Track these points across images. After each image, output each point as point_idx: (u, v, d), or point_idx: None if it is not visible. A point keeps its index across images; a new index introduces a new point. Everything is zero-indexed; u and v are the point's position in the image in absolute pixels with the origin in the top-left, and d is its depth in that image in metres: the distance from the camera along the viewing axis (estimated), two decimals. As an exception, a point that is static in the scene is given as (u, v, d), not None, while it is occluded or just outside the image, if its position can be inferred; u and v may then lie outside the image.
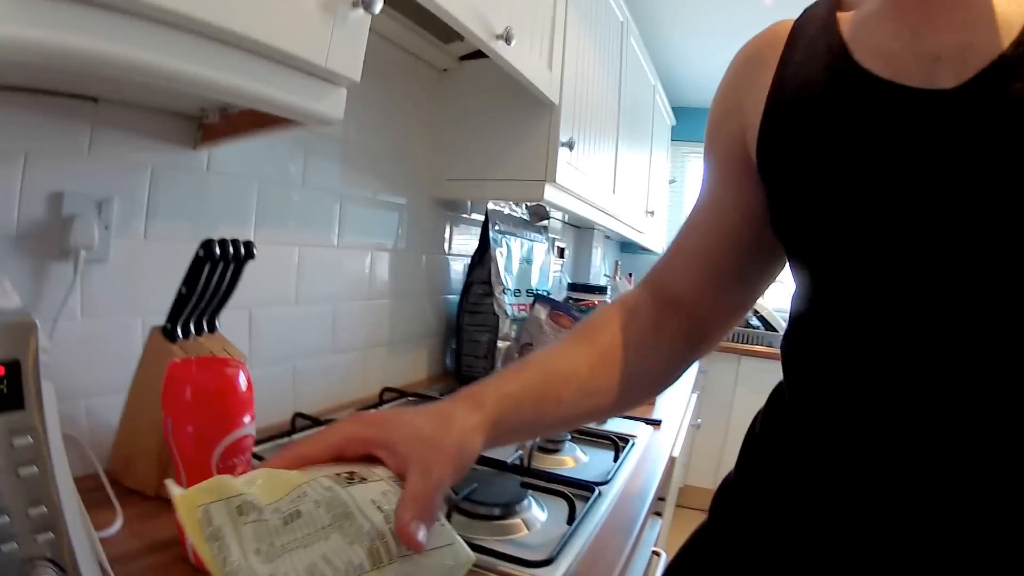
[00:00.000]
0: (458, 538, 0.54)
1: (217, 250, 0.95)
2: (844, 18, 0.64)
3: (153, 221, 1.13)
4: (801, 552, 0.64)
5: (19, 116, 0.91)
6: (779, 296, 3.74)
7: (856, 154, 0.57)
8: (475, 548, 0.91)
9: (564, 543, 0.96)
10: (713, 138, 0.79)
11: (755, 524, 0.71)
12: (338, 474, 0.50)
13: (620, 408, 0.79)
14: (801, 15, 0.70)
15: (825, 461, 0.63)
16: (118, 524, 0.85)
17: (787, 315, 0.72)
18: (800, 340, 0.69)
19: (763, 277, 0.82)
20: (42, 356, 0.55)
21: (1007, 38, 0.51)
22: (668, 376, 0.83)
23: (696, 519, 0.84)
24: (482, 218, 2.18)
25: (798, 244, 0.67)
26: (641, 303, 0.81)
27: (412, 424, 0.54)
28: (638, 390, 0.79)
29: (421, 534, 0.47)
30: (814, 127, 0.61)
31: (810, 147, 0.61)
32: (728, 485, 0.80)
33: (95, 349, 1.05)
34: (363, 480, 0.50)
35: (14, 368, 0.53)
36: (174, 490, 0.47)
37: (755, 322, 4.10)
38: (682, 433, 1.87)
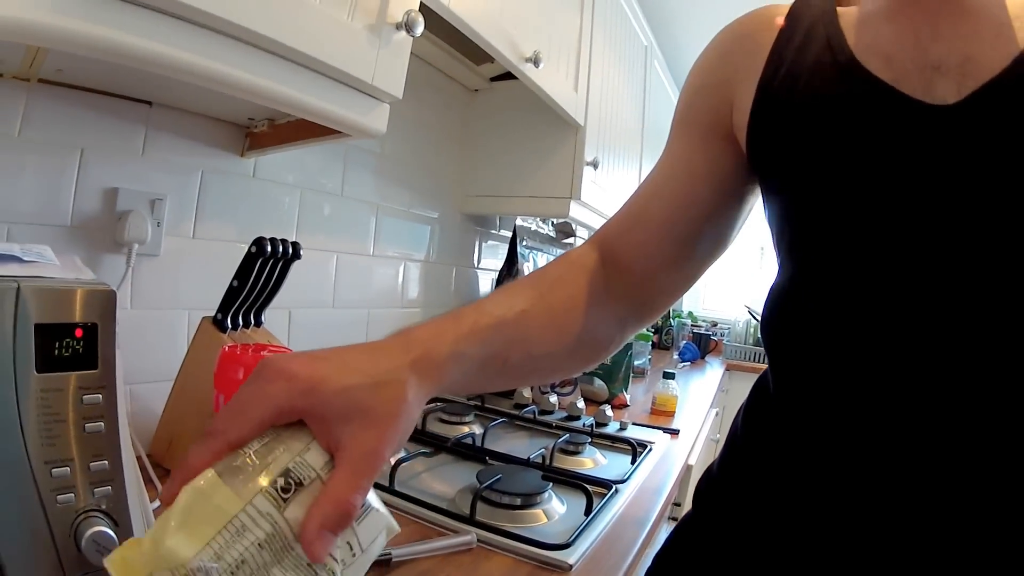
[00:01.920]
0: (387, 517, 0.51)
1: (268, 247, 1.03)
2: (845, 13, 0.63)
3: (201, 221, 1.21)
4: (782, 541, 0.65)
5: (77, 112, 0.99)
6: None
7: (852, 157, 0.57)
8: (497, 533, 0.98)
9: (580, 531, 1.02)
10: (693, 108, 0.78)
11: (736, 515, 0.72)
12: (274, 483, 0.44)
13: (558, 375, 0.79)
14: (796, 2, 0.70)
15: (806, 451, 0.64)
16: (158, 501, 0.92)
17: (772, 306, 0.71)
18: (785, 327, 0.69)
19: (715, 254, 0.80)
20: (116, 326, 0.61)
21: (1008, 55, 0.51)
22: (611, 344, 0.79)
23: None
24: (510, 234, 2.24)
25: (789, 235, 0.67)
26: (593, 266, 0.76)
27: (348, 393, 0.46)
28: (582, 359, 0.77)
29: (322, 549, 0.43)
30: (812, 124, 0.61)
31: (806, 144, 0.61)
32: (711, 476, 0.80)
33: (142, 338, 1.13)
34: (299, 486, 0.45)
35: (92, 331, 0.58)
36: (113, 558, 0.42)
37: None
38: (699, 444, 1.91)
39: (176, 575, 0.41)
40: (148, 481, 0.96)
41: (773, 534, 0.67)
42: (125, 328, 1.07)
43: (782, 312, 0.69)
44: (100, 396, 0.59)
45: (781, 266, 0.70)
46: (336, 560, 0.46)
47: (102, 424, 0.60)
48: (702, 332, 4.04)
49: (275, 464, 0.45)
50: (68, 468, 0.57)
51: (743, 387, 3.33)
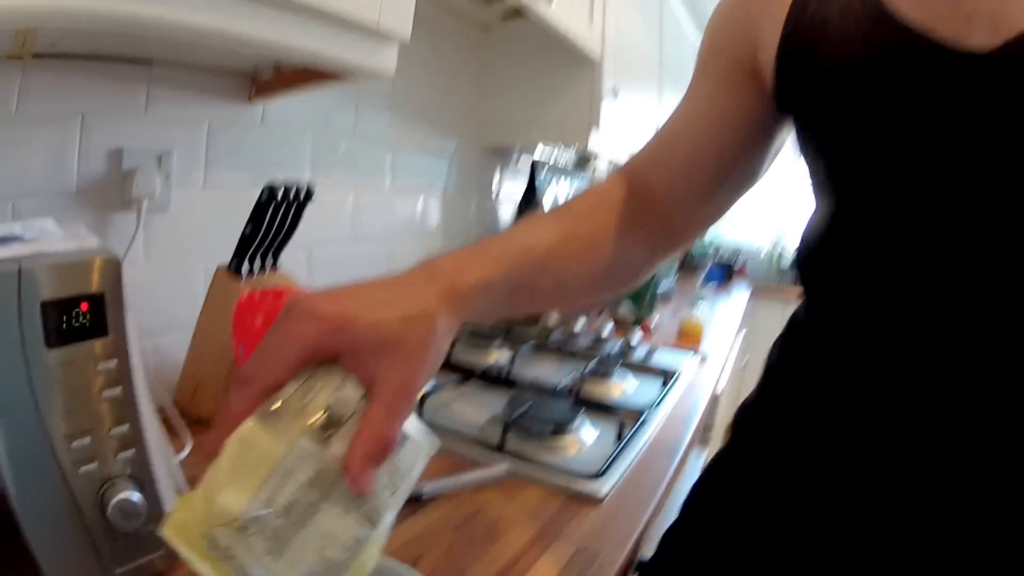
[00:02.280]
0: (425, 436, 0.52)
1: (279, 193, 1.01)
2: None
3: (211, 171, 1.19)
4: (819, 472, 0.66)
5: (74, 81, 0.96)
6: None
7: (885, 103, 0.57)
8: (529, 463, 0.98)
9: (612, 459, 1.02)
10: (716, 46, 0.77)
11: (775, 445, 0.72)
12: (312, 424, 0.44)
13: (584, 303, 0.78)
14: None
15: (843, 382, 0.65)
16: (187, 450, 0.92)
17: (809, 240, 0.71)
18: (822, 262, 0.69)
19: (744, 187, 0.79)
20: (125, 289, 0.60)
21: None
22: (640, 273, 0.80)
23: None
24: (529, 165, 2.21)
25: (824, 174, 0.67)
26: (622, 196, 0.75)
27: (379, 328, 0.46)
28: (610, 287, 0.77)
29: (366, 482, 0.44)
30: (842, 67, 0.60)
31: (837, 87, 0.61)
32: (748, 407, 0.80)
33: (159, 291, 1.12)
34: (339, 422, 0.45)
35: (98, 301, 0.58)
36: (169, 523, 0.42)
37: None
38: (727, 370, 1.90)
39: (232, 528, 0.41)
40: (173, 432, 0.96)
41: (813, 467, 0.66)
42: (141, 281, 1.08)
43: (820, 247, 0.68)
44: (115, 362, 0.60)
45: (817, 202, 0.69)
46: (379, 489, 0.46)
47: (119, 389, 0.60)
48: (727, 258, 4.00)
49: (314, 403, 0.45)
50: (89, 438, 0.58)
51: (769, 312, 3.35)
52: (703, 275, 3.65)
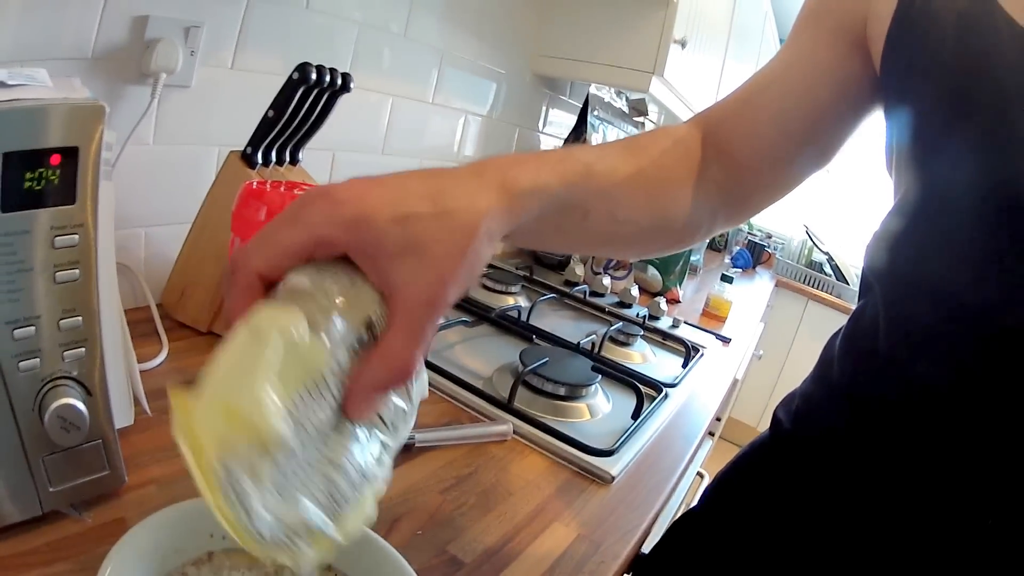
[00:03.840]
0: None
1: (313, 75, 0.89)
2: None
3: (243, 51, 1.06)
4: (878, 490, 0.62)
5: None
6: (855, 251, 3.60)
7: (977, 97, 0.54)
8: (537, 426, 0.88)
9: (626, 437, 0.92)
10: (828, 2, 0.72)
11: (830, 447, 0.68)
12: (356, 321, 0.38)
13: (634, 249, 0.76)
14: None
15: (906, 395, 0.60)
16: (161, 357, 0.82)
17: (872, 246, 0.67)
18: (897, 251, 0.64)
19: (818, 163, 0.74)
20: (105, 152, 0.49)
21: None
22: (698, 232, 0.74)
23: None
24: (579, 103, 2.09)
25: (915, 157, 0.62)
26: (695, 146, 0.71)
27: (407, 224, 0.39)
28: (663, 239, 0.72)
29: (369, 410, 0.40)
30: (942, 57, 0.57)
31: (933, 75, 0.58)
32: (798, 398, 0.75)
33: (163, 177, 1.01)
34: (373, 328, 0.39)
35: (70, 155, 0.47)
36: (179, 411, 0.34)
37: (828, 270, 3.98)
38: (746, 358, 1.82)
39: (254, 447, 0.34)
40: (151, 335, 0.87)
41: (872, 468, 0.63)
42: (144, 165, 0.94)
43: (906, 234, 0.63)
44: (76, 237, 0.49)
45: (899, 189, 0.66)
46: (385, 420, 0.42)
47: (77, 271, 0.50)
48: (757, 241, 3.91)
49: (351, 311, 0.38)
50: (33, 327, 0.48)
51: (790, 308, 3.29)
52: (732, 255, 3.54)
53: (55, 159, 0.46)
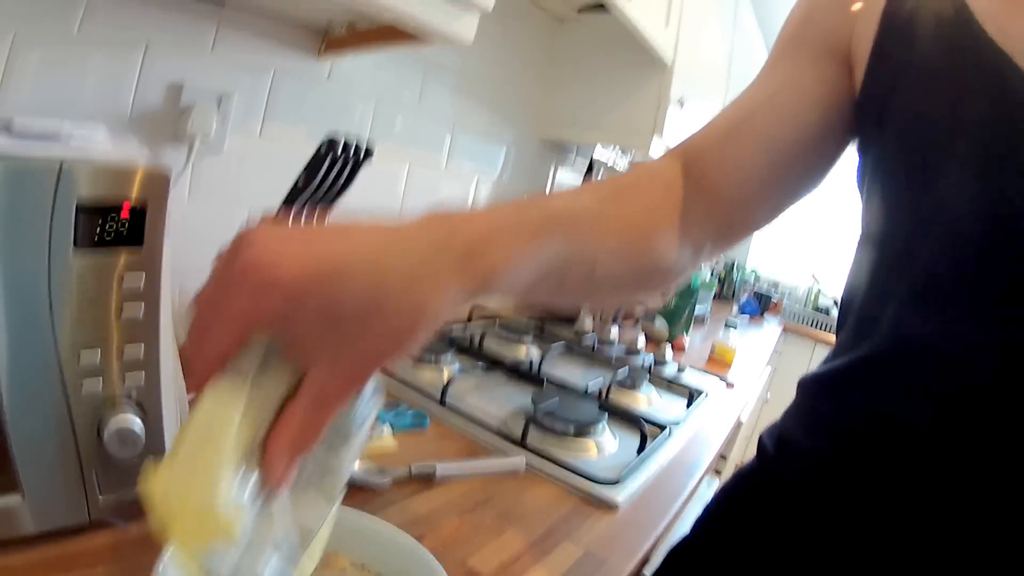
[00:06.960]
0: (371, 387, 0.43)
1: (340, 146, 0.99)
2: None
3: (270, 121, 1.18)
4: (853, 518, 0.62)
5: (142, 9, 0.95)
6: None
7: (957, 119, 0.55)
8: (548, 461, 0.96)
9: (632, 468, 1.00)
10: (809, 24, 0.72)
11: (809, 475, 0.67)
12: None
13: (618, 295, 0.72)
14: None
15: (882, 429, 0.60)
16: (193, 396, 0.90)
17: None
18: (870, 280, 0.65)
19: (805, 188, 0.72)
20: (169, 214, 0.57)
21: None
22: (681, 270, 0.71)
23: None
24: (585, 164, 2.20)
25: (892, 188, 0.63)
26: (673, 179, 0.68)
27: (355, 293, 0.36)
28: (646, 280, 0.69)
29: (284, 475, 0.39)
30: (922, 80, 0.58)
31: (914, 98, 0.59)
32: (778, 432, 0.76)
33: (197, 232, 1.08)
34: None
35: (140, 210, 0.54)
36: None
37: (835, 313, 3.98)
38: (751, 401, 1.87)
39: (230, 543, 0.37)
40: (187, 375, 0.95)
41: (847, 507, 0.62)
42: (181, 221, 1.05)
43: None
44: (142, 277, 0.56)
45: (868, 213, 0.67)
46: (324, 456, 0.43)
47: (141, 305, 0.57)
48: (763, 292, 3.96)
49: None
50: (99, 352, 0.55)
51: (798, 353, 3.31)
52: (740, 304, 3.61)
53: (126, 207, 0.54)
